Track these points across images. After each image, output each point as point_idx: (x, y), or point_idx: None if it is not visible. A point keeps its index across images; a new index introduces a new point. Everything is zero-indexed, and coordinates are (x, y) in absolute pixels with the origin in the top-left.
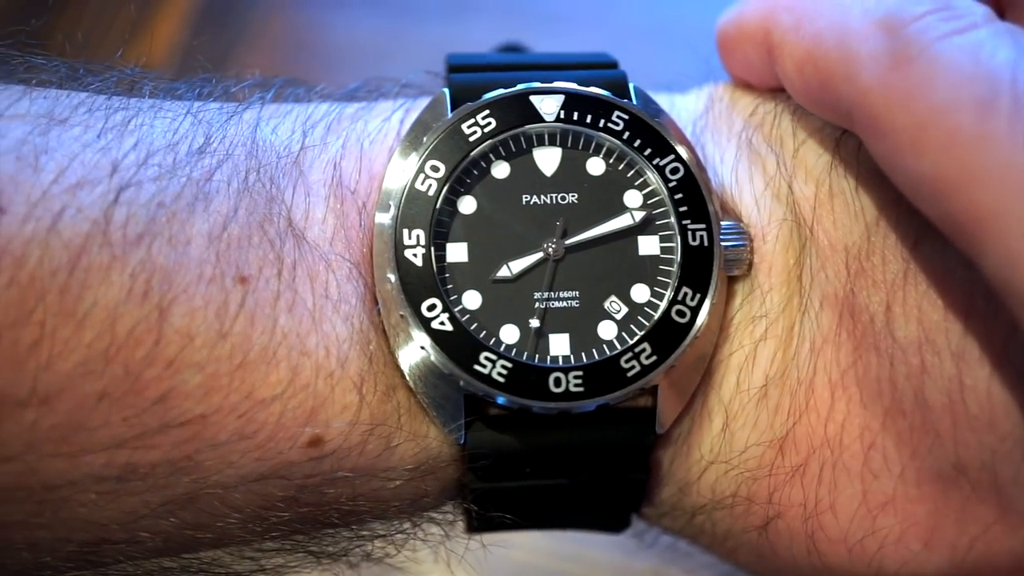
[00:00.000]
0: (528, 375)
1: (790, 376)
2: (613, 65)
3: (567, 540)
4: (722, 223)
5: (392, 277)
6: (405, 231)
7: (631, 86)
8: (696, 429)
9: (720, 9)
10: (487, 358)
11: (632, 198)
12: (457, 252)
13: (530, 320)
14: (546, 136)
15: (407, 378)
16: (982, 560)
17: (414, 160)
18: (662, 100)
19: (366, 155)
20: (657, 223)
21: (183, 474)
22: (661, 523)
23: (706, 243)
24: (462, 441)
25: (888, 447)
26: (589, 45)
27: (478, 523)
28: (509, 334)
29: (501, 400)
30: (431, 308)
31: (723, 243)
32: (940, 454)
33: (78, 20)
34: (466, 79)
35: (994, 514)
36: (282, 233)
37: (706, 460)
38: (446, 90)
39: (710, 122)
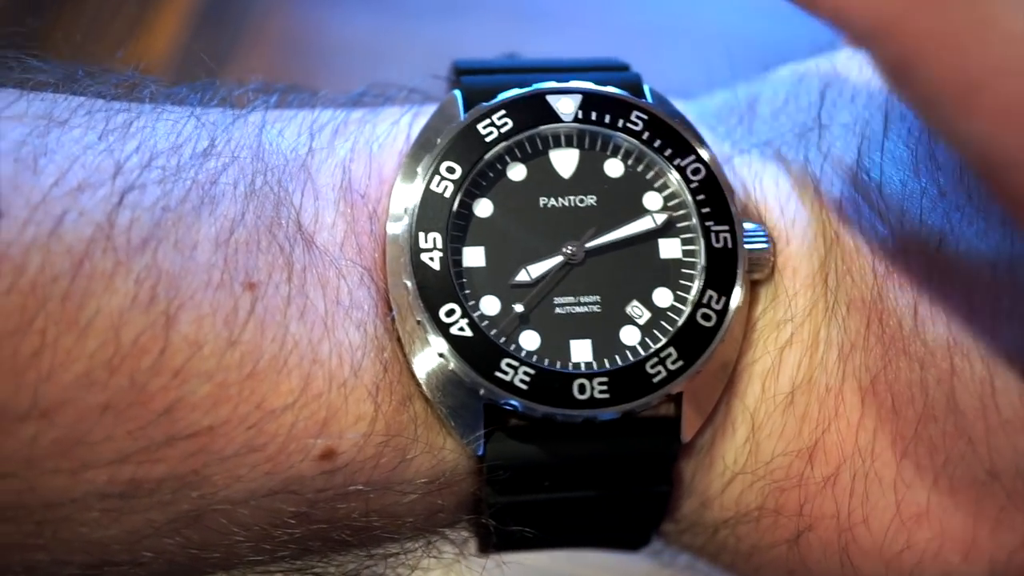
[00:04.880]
0: (551, 382)
1: (818, 383)
2: (625, 67)
3: None
4: (744, 225)
5: (408, 282)
6: (422, 234)
7: (646, 87)
8: (719, 439)
9: (717, 12)
10: (509, 364)
11: (652, 200)
12: (474, 256)
13: (514, 305)
14: (563, 137)
15: (423, 387)
16: (1022, 571)
17: (428, 162)
18: (675, 103)
19: (375, 159)
20: (678, 225)
21: (190, 489)
22: (681, 540)
23: (730, 245)
24: (480, 452)
25: (921, 455)
26: (586, 45)
27: (496, 539)
28: (529, 340)
29: (523, 408)
30: (450, 313)
31: (745, 245)
32: (974, 461)
33: (77, 20)
34: (478, 81)
35: None
36: (291, 237)
37: (731, 471)
38: (457, 92)
39: (731, 125)
